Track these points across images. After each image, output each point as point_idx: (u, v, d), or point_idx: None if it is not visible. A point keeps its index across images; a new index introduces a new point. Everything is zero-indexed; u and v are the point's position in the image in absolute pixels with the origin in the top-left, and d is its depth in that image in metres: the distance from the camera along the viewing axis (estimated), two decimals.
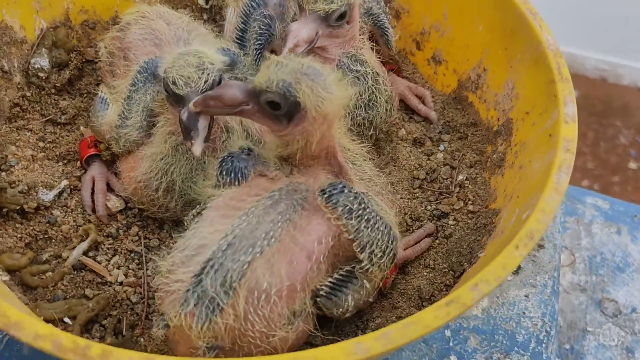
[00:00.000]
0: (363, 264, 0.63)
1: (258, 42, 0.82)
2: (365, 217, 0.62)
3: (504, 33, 0.81)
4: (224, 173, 0.66)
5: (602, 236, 1.03)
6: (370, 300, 0.68)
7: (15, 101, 0.83)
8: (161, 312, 0.59)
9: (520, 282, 0.84)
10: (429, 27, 0.94)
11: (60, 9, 0.89)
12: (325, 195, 0.61)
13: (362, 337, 0.48)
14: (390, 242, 0.64)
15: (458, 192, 0.82)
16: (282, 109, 0.59)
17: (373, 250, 0.63)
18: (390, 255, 0.65)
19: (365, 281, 0.65)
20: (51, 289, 0.68)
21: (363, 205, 0.62)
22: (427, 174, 0.84)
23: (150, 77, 0.74)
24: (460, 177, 0.83)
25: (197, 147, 0.64)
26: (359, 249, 0.62)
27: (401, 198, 0.82)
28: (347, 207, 0.61)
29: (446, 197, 0.82)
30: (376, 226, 0.63)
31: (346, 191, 0.61)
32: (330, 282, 0.63)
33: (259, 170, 0.66)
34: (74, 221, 0.76)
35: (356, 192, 0.62)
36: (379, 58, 0.88)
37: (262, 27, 0.82)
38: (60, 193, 0.78)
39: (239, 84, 0.61)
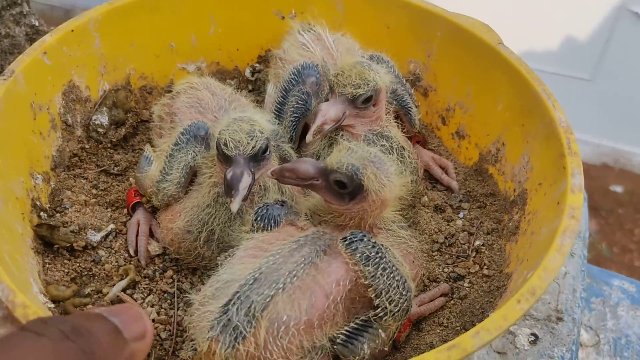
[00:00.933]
0: (378, 311, 0.67)
1: (294, 115, 0.90)
2: (382, 266, 0.67)
3: (521, 111, 0.87)
4: (259, 219, 0.73)
5: (627, 319, 1.03)
6: (386, 349, 0.72)
7: (75, 152, 0.93)
8: (191, 339, 0.65)
9: (537, 353, 0.85)
10: (453, 104, 1.02)
11: (122, 73, 1.01)
12: (346, 242, 0.67)
13: None
14: (404, 291, 0.69)
15: (474, 257, 0.86)
16: (347, 188, 0.68)
17: (389, 297, 0.67)
18: (404, 304, 0.69)
19: (380, 330, 0.69)
20: None
21: (380, 254, 0.67)
22: (445, 238, 0.89)
23: (192, 138, 0.83)
24: (477, 243, 0.87)
25: (235, 205, 0.72)
26: (374, 294, 0.67)
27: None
28: (365, 254, 0.66)
29: (463, 261, 0.86)
30: (392, 275, 0.68)
31: (365, 240, 0.67)
32: (347, 330, 0.67)
33: (290, 219, 0.73)
34: (116, 261, 0.83)
35: (374, 242, 0.68)
36: (405, 133, 0.95)
37: (299, 102, 0.90)
38: (107, 235, 0.85)
39: (312, 161, 0.71)
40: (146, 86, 1.04)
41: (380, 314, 0.68)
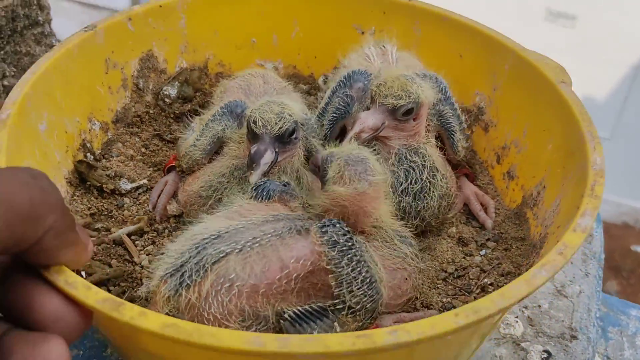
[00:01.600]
0: (337, 302, 0.65)
1: (333, 115, 0.92)
2: (349, 255, 0.65)
3: (565, 153, 0.81)
4: (254, 188, 0.75)
5: None
6: None
7: (139, 114, 1.02)
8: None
9: None
10: (510, 143, 0.96)
11: (202, 56, 1.09)
12: (319, 224, 0.66)
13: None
14: (370, 291, 0.66)
15: (478, 294, 0.79)
16: (319, 172, 0.73)
17: (351, 290, 0.65)
18: (368, 305, 0.67)
19: (336, 324, 0.66)
20: None
21: (350, 244, 0.66)
22: (456, 269, 0.84)
23: (228, 113, 0.87)
24: (486, 281, 0.81)
25: (254, 177, 0.76)
26: (334, 282, 0.65)
27: (422, 284, 0.82)
28: (333, 239, 0.65)
29: (464, 295, 0.80)
30: (358, 269, 0.66)
31: (338, 226, 0.66)
32: (299, 310, 0.66)
33: (284, 198, 0.74)
34: (137, 211, 0.89)
35: (348, 231, 0.66)
36: (449, 158, 0.92)
37: (342, 103, 0.92)
38: (137, 188, 0.92)
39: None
40: (222, 73, 1.12)
41: (339, 306, 0.66)
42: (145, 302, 0.69)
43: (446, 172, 0.90)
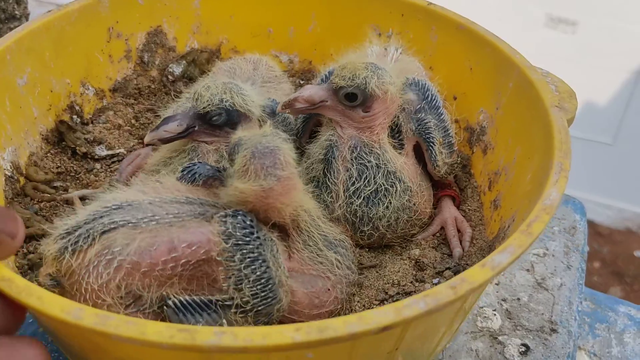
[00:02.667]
0: (225, 297, 0.62)
1: None
2: (244, 251, 0.62)
3: (536, 184, 0.71)
4: (182, 169, 0.73)
5: (634, 346, 0.97)
6: None
7: (140, 87, 1.04)
8: None
9: None
10: (501, 169, 0.87)
11: (215, 40, 1.10)
12: (221, 214, 0.63)
13: None
14: (264, 292, 0.62)
15: None
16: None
17: (240, 289, 0.61)
18: (261, 307, 0.62)
19: (224, 321, 0.63)
20: (34, 203, 0.82)
21: (249, 239, 0.62)
22: (398, 293, 0.76)
23: None
24: None
25: (147, 137, 0.77)
26: (223, 276, 0.61)
27: (354, 300, 0.76)
28: (229, 231, 0.62)
29: None
30: (252, 267, 0.62)
31: (240, 218, 0.62)
32: (185, 299, 0.63)
33: (210, 181, 0.71)
34: (104, 178, 0.90)
35: (251, 224, 0.63)
36: (432, 175, 0.85)
37: None
38: (113, 156, 0.93)
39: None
40: None
41: (227, 302, 0.62)
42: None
43: (416, 186, 0.82)
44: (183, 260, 0.62)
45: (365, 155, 0.79)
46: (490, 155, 0.91)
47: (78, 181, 0.89)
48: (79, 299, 0.62)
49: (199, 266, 0.63)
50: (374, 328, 0.49)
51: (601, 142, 2.24)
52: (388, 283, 0.78)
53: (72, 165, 0.90)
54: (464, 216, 0.89)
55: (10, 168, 0.82)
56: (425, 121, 0.83)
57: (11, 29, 1.11)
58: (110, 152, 0.93)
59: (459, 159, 0.89)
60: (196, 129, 0.76)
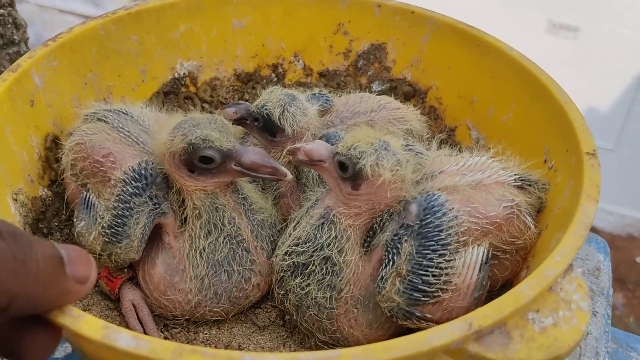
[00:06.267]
0: (100, 211, 0.72)
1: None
2: (128, 189, 0.70)
3: None
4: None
5: None
6: None
7: (344, 83, 1.05)
8: None
9: None
10: None
11: (426, 81, 1.01)
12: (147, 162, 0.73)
13: None
14: (115, 228, 0.69)
15: None
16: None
17: (106, 215, 0.71)
18: (107, 239, 0.70)
19: (93, 233, 0.72)
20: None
21: (138, 185, 0.70)
22: None
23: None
24: None
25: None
26: (108, 195, 0.73)
27: None
28: (133, 167, 0.72)
29: None
30: (123, 206, 0.70)
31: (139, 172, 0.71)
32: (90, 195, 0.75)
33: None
34: None
35: (146, 181, 0.71)
36: None
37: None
38: None
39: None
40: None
41: (99, 218, 0.72)
42: None
43: (353, 300, 0.68)
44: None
45: (324, 227, 0.68)
46: None
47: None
48: None
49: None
50: None
51: (603, 148, 2.21)
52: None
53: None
54: None
55: (184, 76, 0.99)
56: (401, 240, 0.66)
57: (9, 55, 1.11)
58: None
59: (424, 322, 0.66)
60: (247, 122, 0.79)
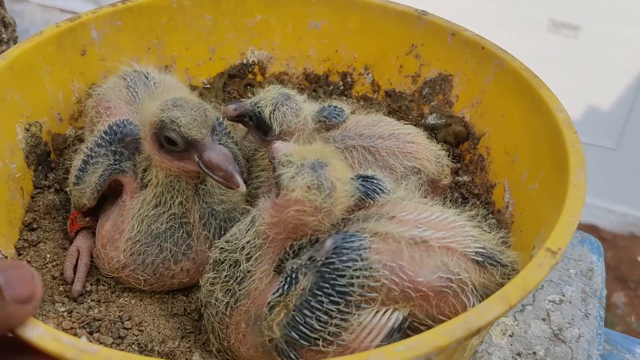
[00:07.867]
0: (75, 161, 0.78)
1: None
2: (95, 142, 0.75)
3: None
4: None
5: None
6: None
7: (405, 107, 1.03)
8: None
9: None
10: None
11: (480, 126, 0.94)
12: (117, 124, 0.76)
13: None
14: (76, 173, 0.75)
15: None
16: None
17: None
18: (73, 181, 0.75)
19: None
20: None
21: (101, 142, 0.74)
22: None
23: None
24: None
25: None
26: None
27: None
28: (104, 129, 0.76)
29: None
30: (86, 157, 0.75)
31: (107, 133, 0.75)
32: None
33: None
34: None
35: (109, 140, 0.74)
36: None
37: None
38: None
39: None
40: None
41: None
42: None
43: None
44: None
45: (249, 229, 0.65)
46: None
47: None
48: None
49: None
50: None
51: (604, 147, 2.22)
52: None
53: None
54: None
55: (253, 64, 1.03)
56: (303, 271, 0.59)
57: None
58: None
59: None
60: (246, 120, 0.80)
